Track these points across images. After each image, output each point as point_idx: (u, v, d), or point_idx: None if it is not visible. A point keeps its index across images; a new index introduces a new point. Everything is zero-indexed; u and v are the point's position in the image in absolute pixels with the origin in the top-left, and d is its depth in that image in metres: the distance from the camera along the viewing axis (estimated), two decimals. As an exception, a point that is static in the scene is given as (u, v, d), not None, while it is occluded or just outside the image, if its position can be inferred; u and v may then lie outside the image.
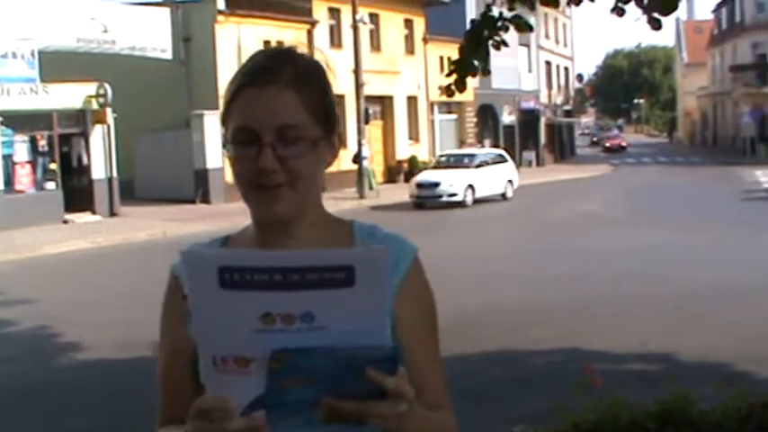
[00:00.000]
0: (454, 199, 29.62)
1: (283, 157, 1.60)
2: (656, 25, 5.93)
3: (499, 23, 6.70)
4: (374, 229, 1.75)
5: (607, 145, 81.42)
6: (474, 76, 6.88)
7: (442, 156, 35.02)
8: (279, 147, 1.59)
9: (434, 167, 32.60)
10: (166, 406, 1.73)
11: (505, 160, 33.64)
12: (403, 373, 1.39)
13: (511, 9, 6.80)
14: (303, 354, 1.32)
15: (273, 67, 1.63)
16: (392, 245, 1.67)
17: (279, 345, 1.32)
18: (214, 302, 1.32)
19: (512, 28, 6.64)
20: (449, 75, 6.86)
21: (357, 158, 31.98)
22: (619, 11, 6.40)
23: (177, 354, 1.67)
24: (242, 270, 1.31)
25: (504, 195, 32.22)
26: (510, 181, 32.80)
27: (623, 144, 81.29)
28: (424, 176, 31.17)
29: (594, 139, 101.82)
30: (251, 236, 1.73)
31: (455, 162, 32.21)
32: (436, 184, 29.84)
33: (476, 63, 6.78)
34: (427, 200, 29.72)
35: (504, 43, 6.72)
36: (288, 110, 1.61)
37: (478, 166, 31.55)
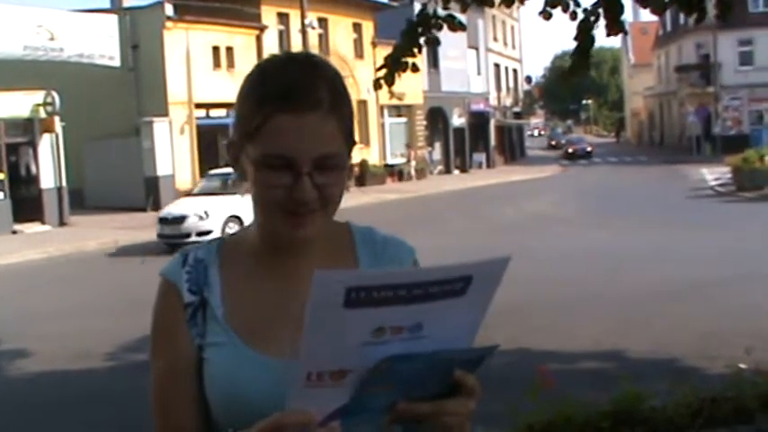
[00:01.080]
0: (208, 238, 18.57)
1: (320, 185, 1.55)
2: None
3: (433, 21, 6.81)
4: (372, 231, 1.76)
5: (570, 150, 68.31)
6: (404, 71, 6.94)
7: (210, 175, 24.76)
8: (316, 175, 1.54)
9: (191, 193, 24.20)
10: (165, 417, 1.64)
11: None
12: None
13: (446, 8, 6.90)
14: (405, 360, 1.32)
15: (310, 90, 1.54)
16: (393, 247, 1.74)
17: (382, 355, 1.32)
18: (332, 321, 1.29)
19: (445, 27, 6.76)
20: (379, 69, 6.93)
21: None
22: (546, 14, 6.52)
23: (178, 364, 1.62)
24: (369, 289, 1.28)
25: None
26: None
27: (589, 149, 68.00)
28: (169, 208, 22.86)
29: (553, 142, 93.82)
30: (253, 241, 1.68)
31: (222, 185, 22.39)
32: (181, 219, 21.18)
33: (407, 61, 6.85)
34: (174, 239, 20.52)
35: (437, 41, 6.83)
36: (329, 140, 1.55)
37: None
